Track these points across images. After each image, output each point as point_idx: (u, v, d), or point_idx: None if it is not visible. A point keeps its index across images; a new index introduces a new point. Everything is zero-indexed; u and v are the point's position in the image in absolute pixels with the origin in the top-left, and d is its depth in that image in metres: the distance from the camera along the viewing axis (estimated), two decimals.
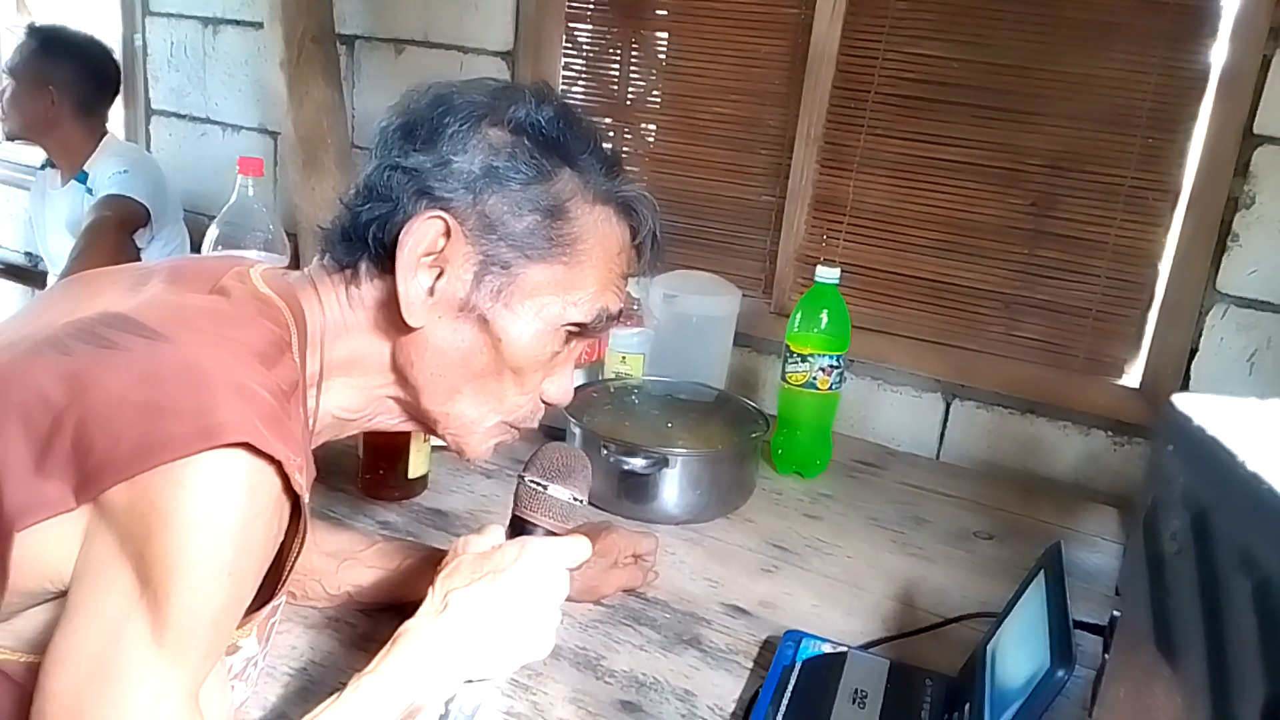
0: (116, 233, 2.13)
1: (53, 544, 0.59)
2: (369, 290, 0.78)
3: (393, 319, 0.77)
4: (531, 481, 0.79)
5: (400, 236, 0.74)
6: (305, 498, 0.66)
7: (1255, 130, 1.47)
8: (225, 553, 0.59)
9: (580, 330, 0.81)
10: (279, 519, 0.65)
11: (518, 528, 0.79)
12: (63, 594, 0.61)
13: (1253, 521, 0.25)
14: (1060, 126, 1.62)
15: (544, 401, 0.85)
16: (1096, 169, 1.61)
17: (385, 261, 0.76)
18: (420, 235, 0.74)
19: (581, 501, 0.80)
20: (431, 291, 0.76)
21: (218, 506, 0.59)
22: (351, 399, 0.80)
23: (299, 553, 0.69)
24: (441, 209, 0.74)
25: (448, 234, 0.75)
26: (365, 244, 0.76)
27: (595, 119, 0.80)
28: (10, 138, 2.32)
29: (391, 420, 0.84)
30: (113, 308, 0.67)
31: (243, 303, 0.72)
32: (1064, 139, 1.62)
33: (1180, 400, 0.32)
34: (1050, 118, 1.63)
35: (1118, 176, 1.60)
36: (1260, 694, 0.23)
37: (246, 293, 0.73)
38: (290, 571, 0.70)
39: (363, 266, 0.77)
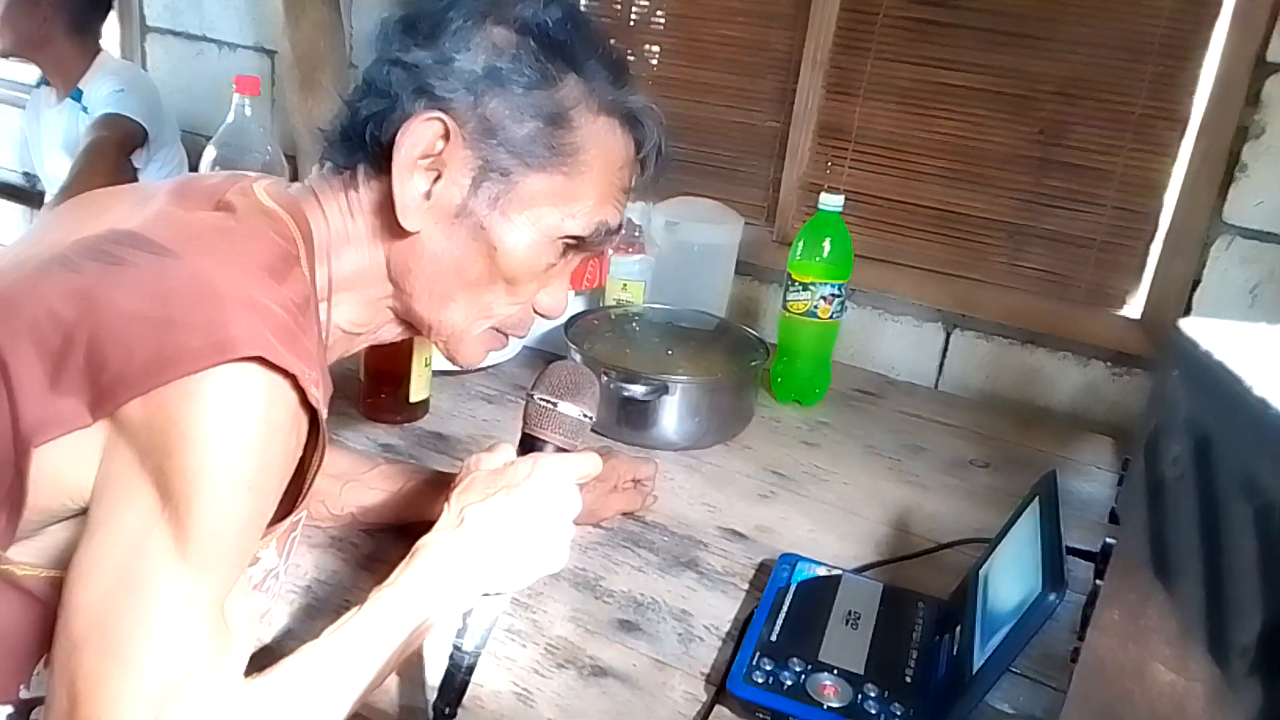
0: (116, 153, 2.11)
1: (71, 461, 0.60)
2: (366, 194, 0.77)
3: (389, 224, 0.76)
4: (541, 399, 0.79)
5: (397, 137, 0.73)
6: (323, 412, 0.66)
7: (1268, 58, 1.44)
8: (244, 466, 0.60)
9: (578, 243, 0.80)
10: (297, 433, 0.65)
11: (528, 445, 0.79)
12: (83, 511, 0.61)
13: (1257, 446, 0.26)
14: (1071, 52, 1.59)
15: (537, 312, 0.84)
16: (1106, 96, 1.58)
17: (382, 162, 0.75)
18: (418, 137, 0.73)
19: (591, 418, 0.80)
20: (428, 195, 0.75)
21: (234, 420, 0.59)
22: (358, 312, 0.80)
23: (319, 466, 0.69)
24: (441, 110, 0.73)
25: (446, 137, 0.74)
26: (363, 143, 0.75)
27: (586, 10, 0.78)
28: (3, 55, 2.27)
29: (394, 332, 0.84)
30: (120, 225, 0.67)
31: (248, 217, 0.71)
32: (1075, 65, 1.59)
33: (1187, 325, 0.31)
34: (1062, 43, 1.59)
35: (1128, 104, 1.57)
36: (1258, 616, 0.23)
37: (251, 207, 0.72)
38: (311, 485, 0.70)
39: (361, 168, 0.77)
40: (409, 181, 0.74)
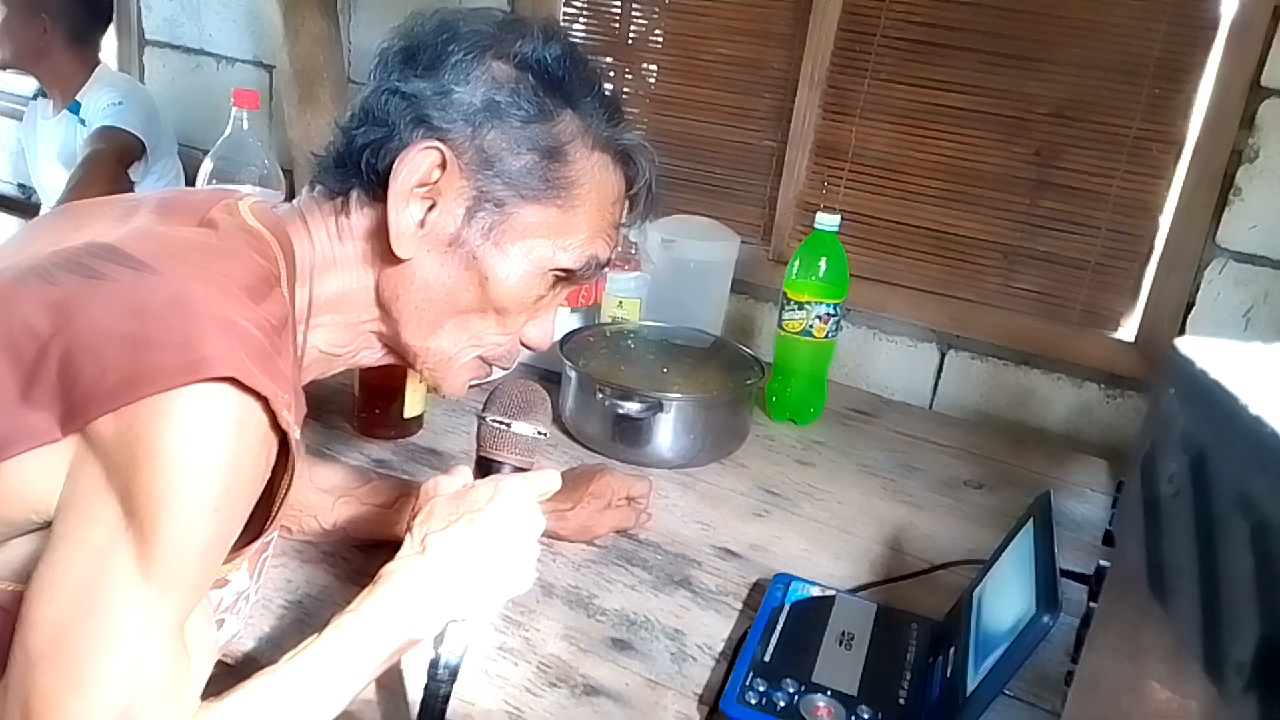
0: (114, 166, 2.11)
1: (38, 474, 0.59)
2: (359, 220, 0.77)
3: (381, 250, 0.76)
4: (493, 421, 0.79)
5: (394, 165, 0.73)
6: (295, 434, 0.66)
7: (1263, 83, 1.45)
8: (211, 487, 0.59)
9: (568, 276, 0.80)
10: (266, 455, 0.64)
11: (485, 467, 0.79)
12: (48, 525, 0.60)
13: (1253, 464, 0.25)
14: (1067, 74, 1.60)
15: (523, 344, 0.84)
16: (1102, 118, 1.59)
17: (377, 190, 0.75)
18: (415, 165, 0.73)
19: (545, 434, 0.80)
20: (422, 223, 0.75)
21: (204, 440, 0.58)
22: (338, 334, 0.80)
23: (289, 489, 0.68)
24: (438, 139, 0.73)
25: (443, 166, 0.74)
26: (358, 170, 0.75)
27: (596, 57, 0.78)
28: (2, 66, 2.28)
29: (374, 355, 0.84)
30: (100, 238, 0.66)
31: (231, 236, 0.71)
32: (1070, 87, 1.60)
33: (1183, 344, 0.31)
34: (1057, 65, 1.60)
35: (1123, 126, 1.58)
36: (1254, 632, 0.23)
37: (235, 226, 0.72)
38: (280, 507, 0.69)
39: (354, 194, 0.77)
40: (404, 209, 0.74)
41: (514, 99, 0.75)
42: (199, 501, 0.59)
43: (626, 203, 0.83)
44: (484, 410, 0.80)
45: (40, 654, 0.57)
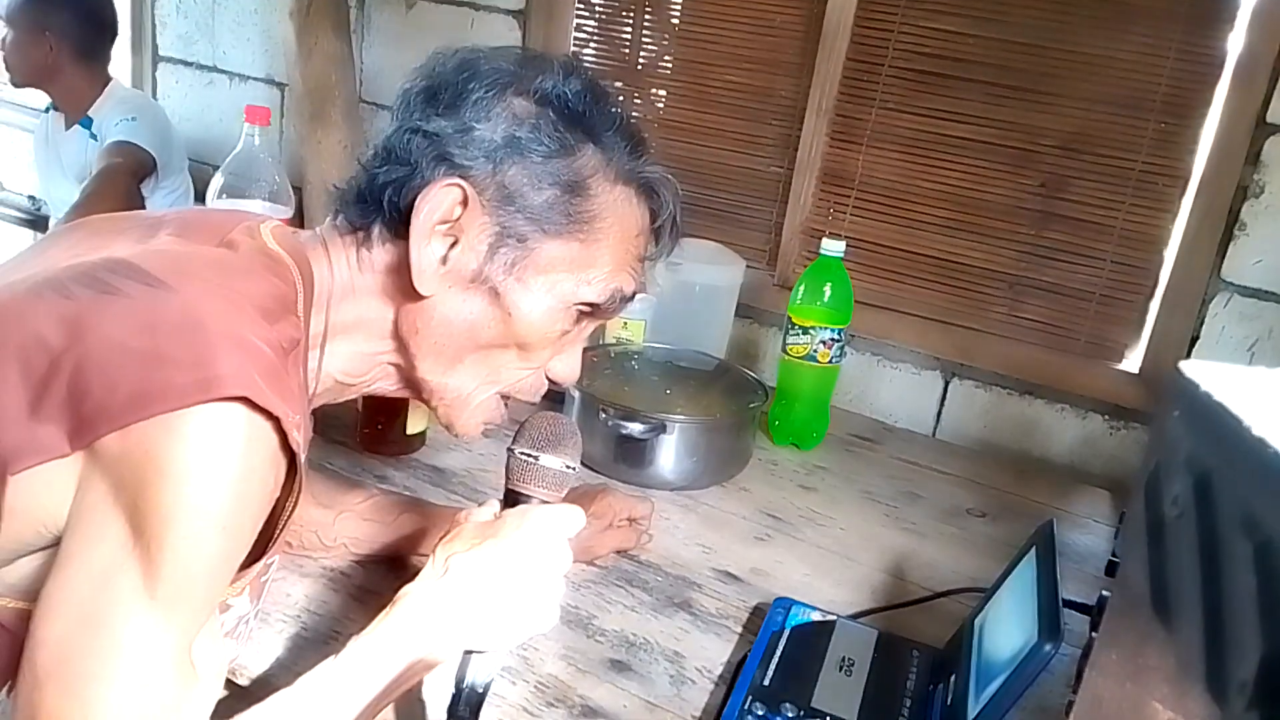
0: (127, 181, 2.12)
1: (46, 490, 0.59)
2: (380, 254, 0.77)
3: (402, 285, 0.76)
4: (522, 454, 0.77)
5: (416, 202, 0.73)
6: (302, 456, 0.65)
7: (1268, 119, 1.46)
8: (220, 506, 0.58)
9: (592, 310, 0.80)
10: (275, 475, 0.64)
11: (512, 500, 0.78)
12: (56, 542, 0.60)
13: (1257, 486, 0.26)
14: (1074, 107, 1.61)
15: (549, 379, 0.84)
16: (1108, 152, 1.60)
17: (399, 226, 0.75)
18: (437, 203, 0.73)
19: (574, 469, 0.79)
20: (445, 260, 0.75)
21: (214, 459, 0.58)
22: (354, 363, 0.79)
23: (292, 511, 0.68)
24: (460, 177, 0.73)
25: (465, 203, 0.74)
26: (380, 207, 0.75)
27: (606, 83, 0.79)
28: (18, 86, 2.30)
29: (389, 386, 0.83)
30: (117, 253, 0.66)
31: (250, 257, 0.71)
32: (1077, 120, 1.61)
33: (1188, 367, 0.32)
34: (1064, 98, 1.61)
35: (1129, 160, 1.59)
36: (1257, 652, 0.23)
37: (254, 248, 0.72)
38: (283, 530, 0.69)
39: (375, 230, 0.76)
40: (426, 246, 0.74)
41: (535, 135, 0.74)
42: (207, 520, 0.58)
43: (652, 235, 0.82)
44: (513, 443, 0.78)
45: (47, 673, 0.56)
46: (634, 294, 0.82)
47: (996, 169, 1.68)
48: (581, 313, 0.80)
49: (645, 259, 0.83)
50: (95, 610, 0.57)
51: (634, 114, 0.80)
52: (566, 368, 0.83)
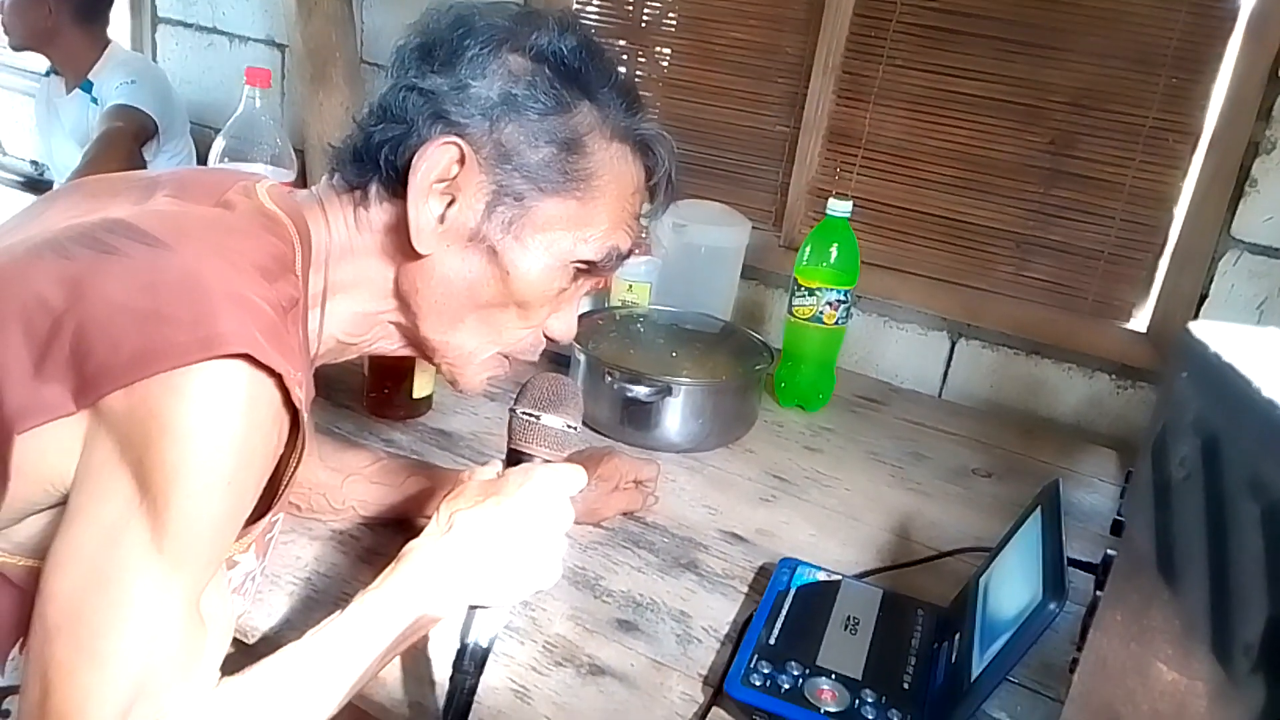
0: (129, 144, 2.12)
1: (53, 449, 0.59)
2: (378, 213, 0.77)
3: (400, 244, 0.76)
4: (524, 414, 0.78)
5: (413, 161, 0.73)
6: (305, 413, 0.66)
7: None
8: (225, 462, 0.59)
9: (589, 268, 0.80)
10: (278, 432, 0.65)
11: (515, 460, 0.79)
12: (64, 501, 0.61)
13: (1265, 447, 0.25)
14: (1084, 63, 1.58)
15: (547, 337, 0.84)
16: (1118, 108, 1.58)
17: (396, 185, 0.75)
18: (434, 161, 0.73)
19: (575, 429, 0.80)
20: (442, 219, 0.75)
21: (217, 416, 0.58)
22: (355, 322, 0.80)
23: (296, 467, 0.69)
24: (456, 135, 0.73)
25: (462, 161, 0.74)
26: (376, 166, 0.75)
27: (609, 41, 0.77)
28: (16, 49, 2.29)
29: (391, 345, 0.83)
30: (114, 214, 0.66)
31: (247, 216, 0.71)
32: (1087, 76, 1.59)
33: (1196, 328, 0.31)
34: (1075, 53, 1.59)
35: (1139, 116, 1.57)
36: (1262, 614, 0.23)
37: (252, 208, 0.72)
38: (287, 486, 0.70)
39: (373, 189, 0.76)
40: (424, 205, 0.74)
41: (531, 92, 0.74)
42: (212, 476, 0.59)
43: (647, 192, 0.82)
44: (515, 403, 0.79)
45: (57, 627, 0.57)
46: (630, 251, 0.82)
47: (1005, 126, 1.66)
48: (579, 270, 0.80)
49: (640, 216, 0.83)
50: (104, 565, 0.58)
51: (629, 70, 0.79)
52: (563, 325, 0.84)
